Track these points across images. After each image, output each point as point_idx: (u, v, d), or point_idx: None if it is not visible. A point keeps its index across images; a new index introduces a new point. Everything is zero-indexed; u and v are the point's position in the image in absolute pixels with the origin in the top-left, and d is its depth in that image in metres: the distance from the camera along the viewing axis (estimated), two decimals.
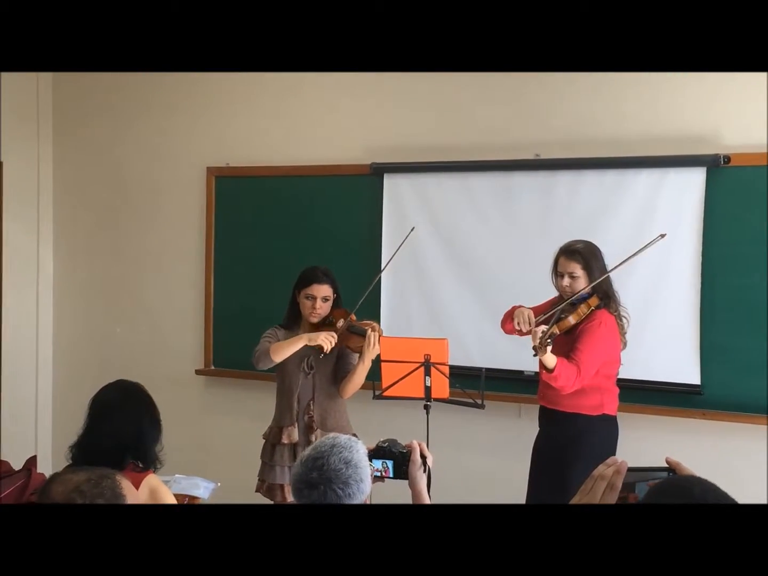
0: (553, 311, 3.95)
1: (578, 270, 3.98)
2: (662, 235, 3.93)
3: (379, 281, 5.06)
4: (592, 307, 3.98)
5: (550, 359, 3.83)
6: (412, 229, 4.46)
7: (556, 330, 3.87)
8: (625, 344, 4.08)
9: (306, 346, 4.04)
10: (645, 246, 3.94)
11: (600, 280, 3.92)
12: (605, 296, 4.02)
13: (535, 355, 3.79)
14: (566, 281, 3.99)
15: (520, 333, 4.05)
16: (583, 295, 3.97)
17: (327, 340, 3.95)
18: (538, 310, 4.09)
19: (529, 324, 3.96)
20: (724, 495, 1.64)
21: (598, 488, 1.80)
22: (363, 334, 4.04)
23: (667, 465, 1.84)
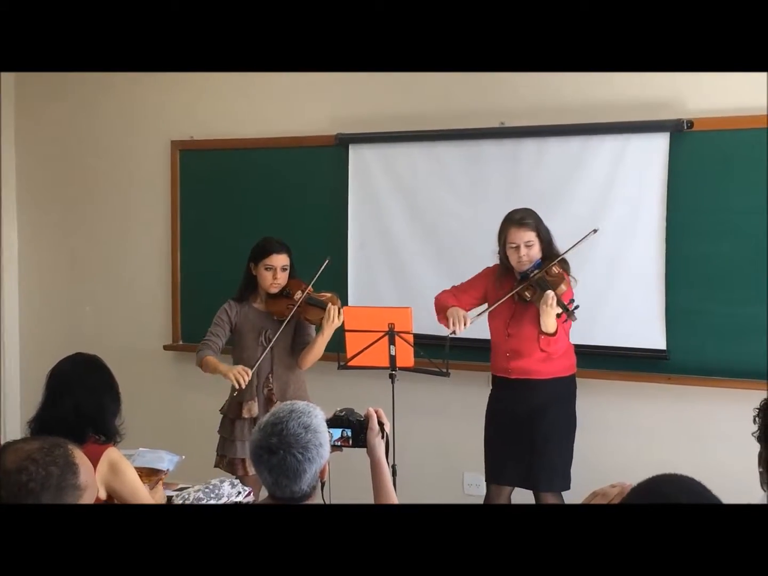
0: (523, 285, 3.99)
1: (533, 237, 4.02)
2: (594, 230, 4.06)
3: (345, 253, 5.07)
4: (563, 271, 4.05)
5: (554, 324, 3.89)
6: None
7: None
8: None
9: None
10: (578, 241, 4.03)
11: (555, 261, 4.00)
12: (563, 261, 4.08)
13: (567, 319, 3.85)
14: (523, 251, 4.01)
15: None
16: (538, 262, 4.02)
17: (240, 376, 3.92)
18: (471, 298, 4.18)
19: (464, 324, 4.02)
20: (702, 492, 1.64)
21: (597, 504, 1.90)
22: (322, 306, 4.05)
23: None
